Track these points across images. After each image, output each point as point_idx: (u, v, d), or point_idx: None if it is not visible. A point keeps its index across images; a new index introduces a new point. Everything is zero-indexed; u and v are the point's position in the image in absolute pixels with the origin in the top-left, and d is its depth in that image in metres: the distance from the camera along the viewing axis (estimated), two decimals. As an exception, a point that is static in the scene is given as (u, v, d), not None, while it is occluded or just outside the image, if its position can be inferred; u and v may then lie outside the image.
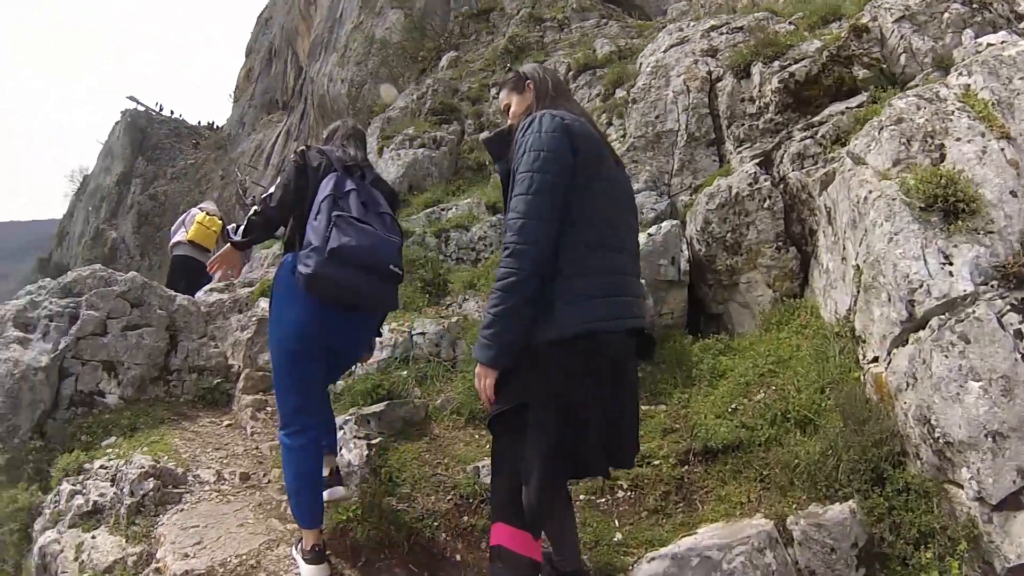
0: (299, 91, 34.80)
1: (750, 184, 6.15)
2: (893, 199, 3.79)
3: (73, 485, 5.03)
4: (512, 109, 3.16)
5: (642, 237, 6.26)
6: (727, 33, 8.68)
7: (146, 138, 49.82)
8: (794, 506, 3.57)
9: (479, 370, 2.72)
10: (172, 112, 55.94)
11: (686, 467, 4.25)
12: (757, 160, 6.50)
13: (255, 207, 3.77)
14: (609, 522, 4.00)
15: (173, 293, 7.34)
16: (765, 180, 6.14)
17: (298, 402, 3.60)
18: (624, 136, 8.70)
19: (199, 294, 7.85)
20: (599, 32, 16.40)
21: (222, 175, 40.44)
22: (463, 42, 21.78)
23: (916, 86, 5.35)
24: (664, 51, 8.92)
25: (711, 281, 6.45)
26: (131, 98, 53.60)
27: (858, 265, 4.12)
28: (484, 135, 3.14)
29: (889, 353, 3.72)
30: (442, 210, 9.39)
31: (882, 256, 3.77)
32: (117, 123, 52.20)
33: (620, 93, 10.27)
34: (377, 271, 3.38)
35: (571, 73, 13.33)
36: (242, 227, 3.84)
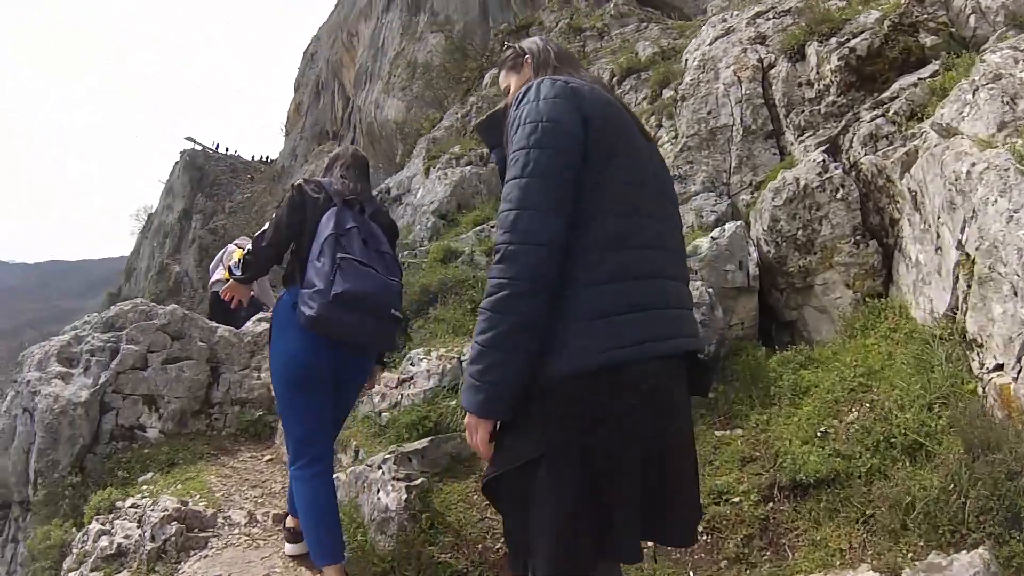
0: (347, 120, 35.03)
1: (819, 174, 5.47)
2: (1006, 169, 3.13)
3: (102, 524, 4.76)
4: (511, 91, 2.48)
5: (704, 241, 5.64)
6: (774, 17, 8.04)
7: (204, 175, 51.46)
8: (909, 555, 2.87)
9: (468, 420, 1.96)
10: (227, 149, 57.57)
11: (771, 505, 3.55)
12: (823, 147, 5.84)
13: (249, 245, 3.75)
14: (682, 573, 3.37)
15: (214, 325, 7.06)
16: (836, 168, 5.45)
17: (306, 432, 3.50)
18: (676, 137, 8.10)
19: (248, 324, 7.59)
20: (639, 36, 15.83)
21: (276, 206, 40.78)
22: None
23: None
24: (710, 44, 8.33)
25: (782, 285, 5.77)
26: (189, 138, 55.76)
27: (968, 253, 3.43)
28: (477, 121, 2.52)
29: (1020, 360, 3.03)
30: (491, 227, 8.88)
31: (1000, 240, 3.09)
32: (177, 163, 54.18)
33: (668, 93, 9.67)
34: (378, 315, 3.35)
35: (615, 79, 12.78)
36: (241, 263, 3.80)
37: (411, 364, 5.86)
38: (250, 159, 57.90)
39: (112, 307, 6.89)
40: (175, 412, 6.34)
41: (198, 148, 55.35)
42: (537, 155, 1.90)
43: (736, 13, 9.23)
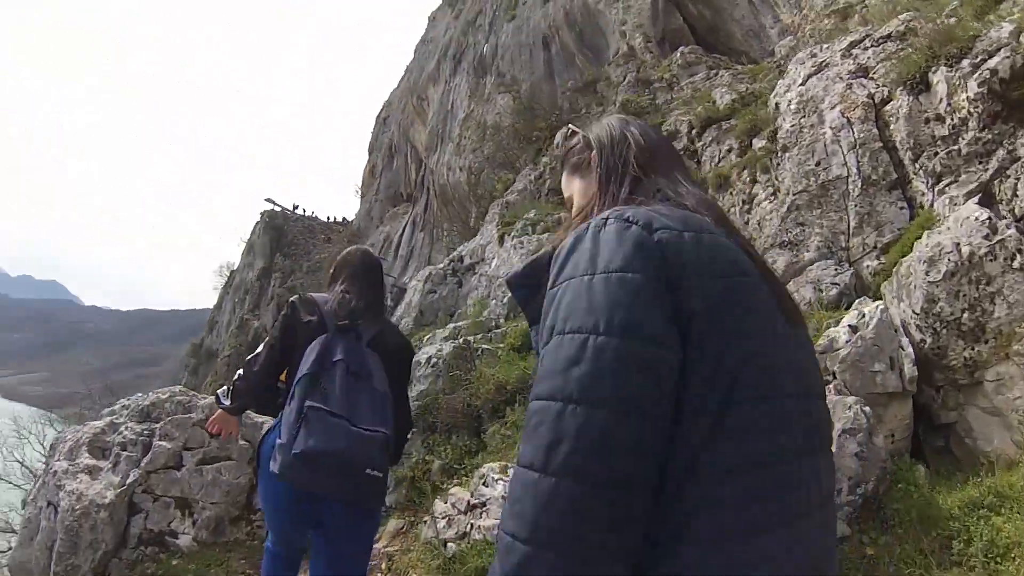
0: (421, 182, 34.94)
1: (986, 236, 4.33)
2: None
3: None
4: (575, 204, 1.59)
5: (841, 332, 4.52)
6: (873, 45, 7.08)
7: (283, 235, 52.83)
8: None
9: None
10: (305, 210, 58.91)
11: None
12: (974, 198, 4.74)
13: (239, 370, 3.32)
14: None
15: (261, 420, 6.30)
16: (1008, 228, 4.32)
17: (275, 538, 3.38)
18: (777, 194, 7.09)
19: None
20: (711, 84, 14.89)
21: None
22: (574, 117, 20.81)
23: None
24: (803, 83, 7.33)
25: (940, 381, 4.59)
26: (269, 200, 57.66)
27: None
28: (509, 276, 1.49)
29: None
30: None
31: None
32: (257, 223, 55.69)
33: (759, 143, 8.68)
34: (348, 474, 2.79)
35: (693, 131, 11.85)
36: (230, 390, 3.39)
37: (484, 484, 4.93)
38: (327, 220, 59.29)
39: (150, 394, 6.39)
40: (210, 519, 5.71)
41: (277, 209, 56.83)
42: (584, 419, 1.05)
43: (825, 47, 8.24)
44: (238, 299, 51.42)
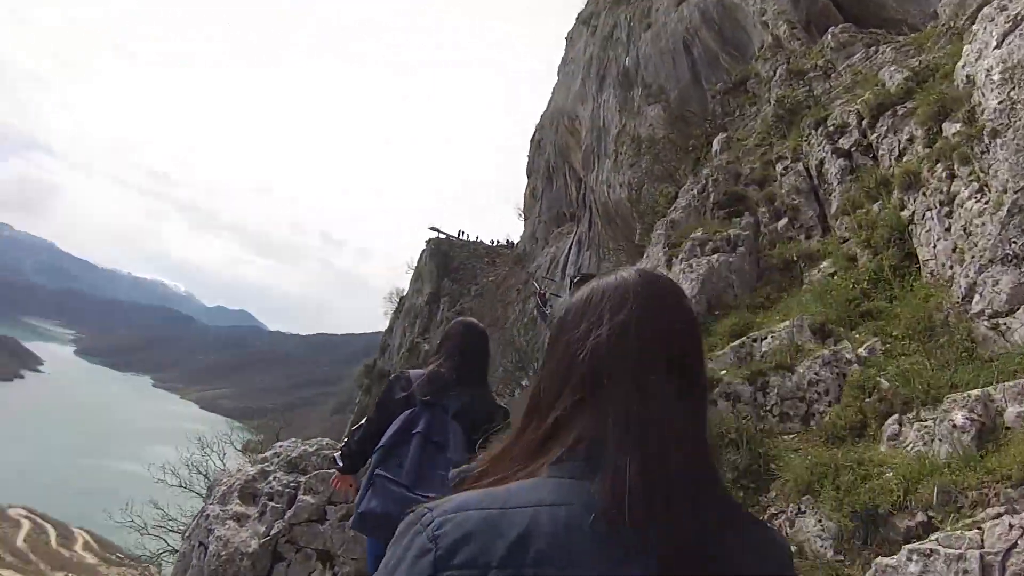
0: (582, 201, 34.74)
1: None
2: None
3: None
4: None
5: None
6: None
7: (450, 261, 54.75)
8: None
9: None
10: (468, 235, 60.47)
11: None
12: None
13: (344, 439, 4.14)
14: None
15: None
16: None
17: None
18: (985, 191, 6.16)
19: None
20: (873, 64, 13.53)
21: (518, 290, 41.71)
22: (729, 120, 19.83)
23: None
24: (998, 46, 6.32)
25: None
26: (433, 228, 59.75)
27: None
28: None
29: None
30: (753, 341, 7.24)
31: None
32: (423, 251, 58.06)
33: (953, 128, 7.62)
34: None
35: (864, 122, 10.78)
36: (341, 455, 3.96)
37: None
38: (491, 243, 60.47)
39: (299, 444, 6.58)
40: (350, 574, 5.78)
41: (442, 236, 58.92)
42: None
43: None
44: (408, 323, 53.76)
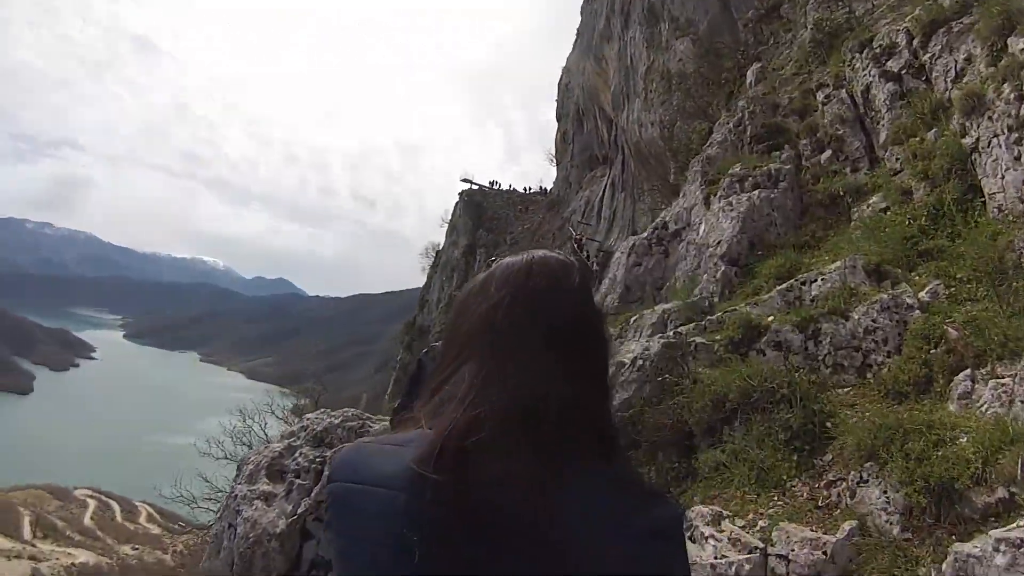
0: (614, 142, 33.64)
1: None
2: None
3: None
4: None
5: None
6: None
7: (483, 212, 53.90)
8: None
9: None
10: (501, 185, 59.43)
11: None
12: None
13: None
14: None
15: None
16: None
17: None
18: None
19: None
20: (918, -25, 12.41)
21: (553, 235, 41.10)
22: (763, 49, 18.66)
23: None
24: None
25: None
26: (465, 180, 58.74)
27: None
28: None
29: None
30: (802, 284, 6.55)
31: None
32: (456, 203, 57.05)
33: (1020, 43, 6.78)
34: None
35: (915, 41, 9.85)
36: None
37: (689, 537, 3.95)
38: (525, 190, 59.46)
39: (324, 416, 6.29)
40: None
41: (475, 187, 57.87)
42: None
43: None
44: (446, 277, 52.92)
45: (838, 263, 6.45)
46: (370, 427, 5.82)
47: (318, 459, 5.64)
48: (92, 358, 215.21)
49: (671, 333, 6.57)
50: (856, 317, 5.71)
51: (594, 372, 1.14)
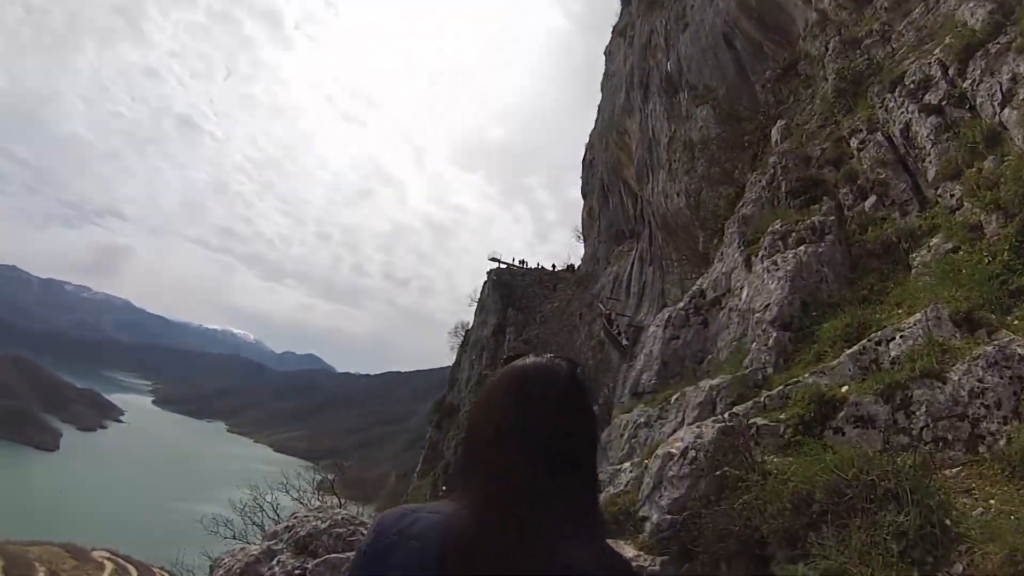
0: (640, 216, 32.80)
1: None
2: None
3: None
4: None
5: None
6: None
7: (512, 291, 52.78)
8: None
9: None
10: (527, 263, 58.65)
11: None
12: None
13: None
14: None
15: None
16: None
17: None
18: None
19: None
20: (938, 13, 11.50)
21: (581, 314, 40.07)
22: (783, 108, 17.84)
23: None
24: None
25: None
26: (493, 258, 58.07)
27: None
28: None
29: None
30: (876, 344, 5.35)
31: None
32: (485, 283, 56.35)
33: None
34: None
35: (951, 70, 8.90)
36: None
37: None
38: (552, 268, 58.69)
39: (308, 521, 5.10)
40: None
41: (503, 266, 56.85)
42: None
43: None
44: (475, 356, 51.97)
45: (917, 315, 5.26)
46: (363, 533, 4.58)
47: (297, 571, 4.47)
48: (120, 421, 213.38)
49: (725, 415, 5.38)
50: (955, 378, 4.50)
51: (585, 469, 1.39)
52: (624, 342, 27.99)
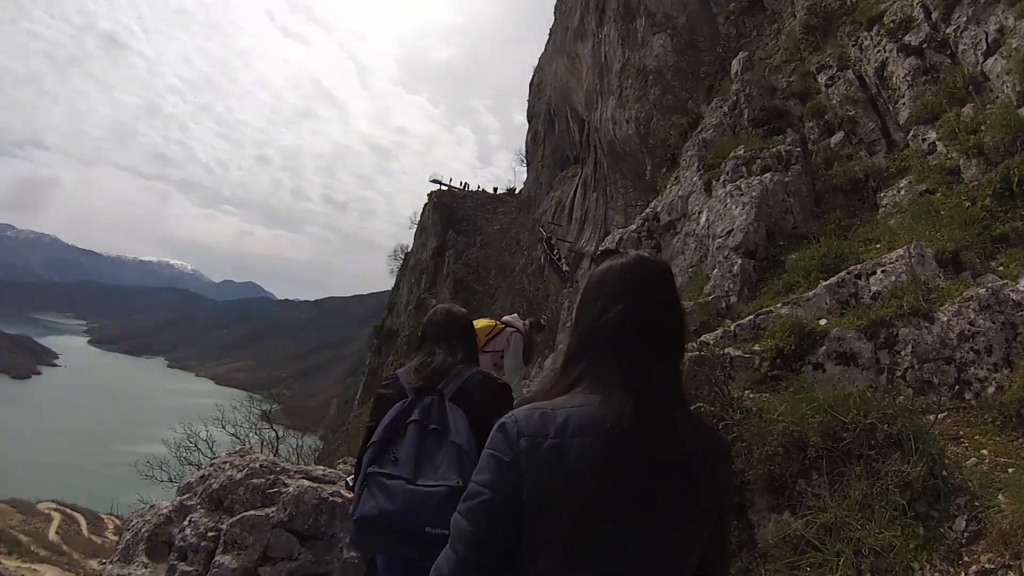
0: (586, 142, 32.15)
1: None
2: None
3: None
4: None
5: None
6: None
7: (453, 213, 51.71)
8: None
9: None
10: (469, 186, 57.63)
11: None
12: None
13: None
14: None
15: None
16: None
17: None
18: None
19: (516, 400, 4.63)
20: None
21: (524, 236, 39.68)
22: (745, 42, 17.25)
23: None
24: None
25: None
26: (435, 180, 56.72)
27: None
28: None
29: None
30: (856, 277, 5.01)
31: None
32: (425, 205, 55.00)
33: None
34: (409, 537, 2.49)
35: (934, 15, 8.52)
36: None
37: None
38: (494, 191, 57.75)
39: (223, 471, 4.33)
40: None
41: (444, 187, 55.64)
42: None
43: None
44: (415, 279, 51.16)
45: (900, 251, 4.92)
46: (284, 491, 3.93)
47: (211, 532, 3.81)
48: (55, 365, 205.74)
49: (695, 343, 4.99)
50: (944, 319, 4.18)
51: (680, 347, 1.55)
52: (564, 267, 27.76)
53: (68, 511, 59.71)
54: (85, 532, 53.88)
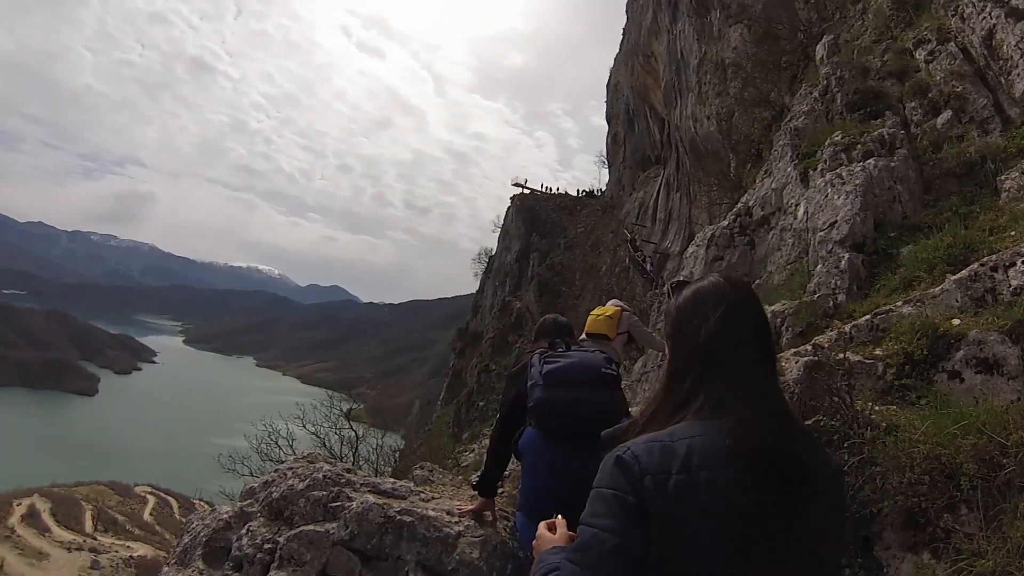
0: (667, 141, 31.25)
1: None
2: None
3: None
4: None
5: None
6: None
7: (536, 216, 51.09)
8: None
9: None
10: (551, 189, 57.09)
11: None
12: None
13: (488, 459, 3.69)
14: None
15: (453, 521, 3.66)
16: None
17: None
18: None
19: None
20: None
21: (608, 238, 38.90)
22: (827, 26, 16.19)
23: None
24: None
25: None
26: (517, 184, 56.48)
27: None
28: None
29: None
30: (992, 271, 4.33)
31: None
32: (508, 208, 54.65)
33: None
34: (588, 380, 3.20)
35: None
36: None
37: None
38: (577, 194, 57.03)
39: (285, 479, 3.96)
40: None
41: (527, 192, 55.12)
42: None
43: None
44: (499, 282, 51.11)
45: (1044, 236, 4.22)
46: (346, 507, 3.56)
47: (268, 544, 3.51)
48: (154, 362, 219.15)
49: (809, 347, 4.42)
50: (1109, 320, 3.50)
51: (776, 368, 1.51)
52: (649, 268, 27.01)
53: (162, 494, 63.24)
54: (177, 514, 56.99)
